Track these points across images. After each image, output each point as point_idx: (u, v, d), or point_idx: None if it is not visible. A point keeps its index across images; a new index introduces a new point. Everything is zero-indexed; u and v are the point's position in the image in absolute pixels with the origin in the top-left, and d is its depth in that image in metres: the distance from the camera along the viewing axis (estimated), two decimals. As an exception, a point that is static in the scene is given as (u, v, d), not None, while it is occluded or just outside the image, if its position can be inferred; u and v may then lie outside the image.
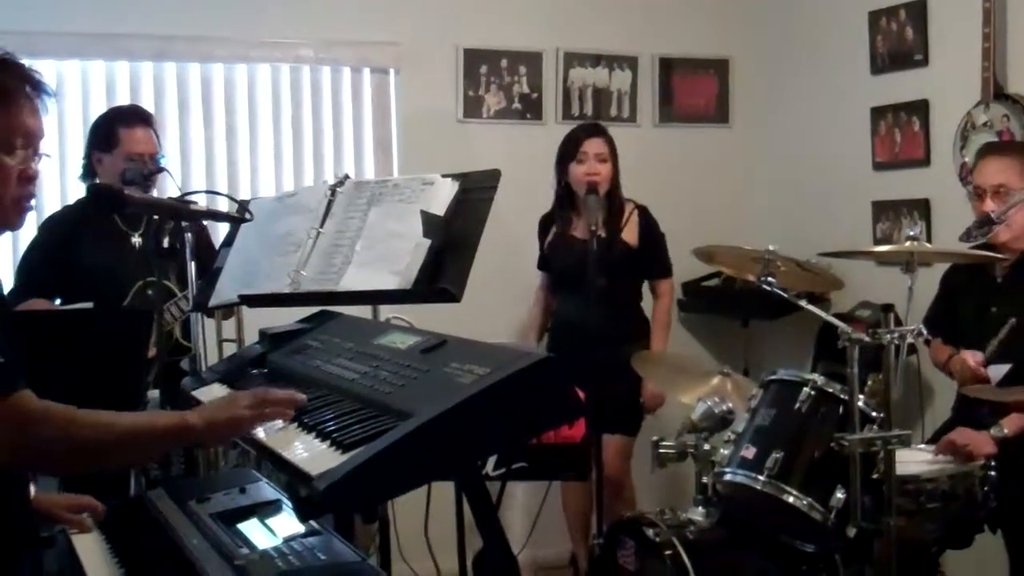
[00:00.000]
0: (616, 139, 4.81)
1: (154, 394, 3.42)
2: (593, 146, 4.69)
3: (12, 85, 2.01)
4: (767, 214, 5.74)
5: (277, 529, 2.26)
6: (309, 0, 5.14)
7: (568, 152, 4.73)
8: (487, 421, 1.83)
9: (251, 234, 3.28)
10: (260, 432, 2.04)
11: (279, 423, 2.06)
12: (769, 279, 3.55)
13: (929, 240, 4.64)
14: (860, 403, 3.20)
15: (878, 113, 5.07)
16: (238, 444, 2.37)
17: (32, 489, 2.29)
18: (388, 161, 5.35)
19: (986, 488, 3.40)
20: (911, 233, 3.36)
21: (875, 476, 3.16)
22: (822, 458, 3.25)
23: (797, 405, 3.33)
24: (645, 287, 4.93)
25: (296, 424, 2.03)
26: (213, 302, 3.30)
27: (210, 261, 3.48)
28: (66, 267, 4.00)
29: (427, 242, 2.77)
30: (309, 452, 1.88)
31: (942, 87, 4.73)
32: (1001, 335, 3.67)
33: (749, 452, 3.34)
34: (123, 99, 4.78)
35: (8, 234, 2.21)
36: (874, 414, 3.22)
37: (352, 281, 2.88)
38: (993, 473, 3.40)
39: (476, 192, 2.88)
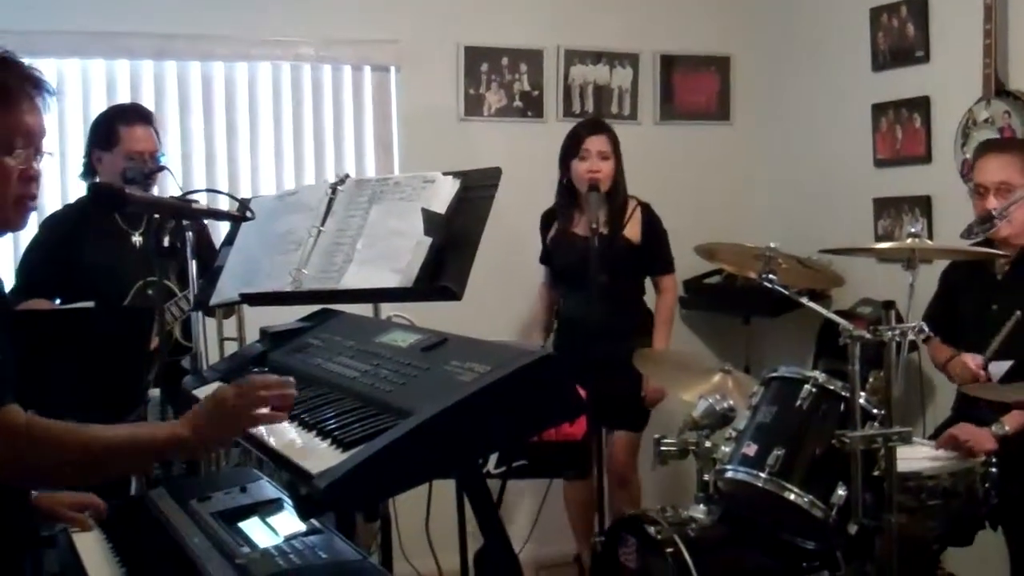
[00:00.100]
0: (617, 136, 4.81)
1: (155, 393, 3.42)
2: (595, 143, 4.69)
3: (12, 84, 2.00)
4: (768, 211, 5.74)
5: (278, 528, 2.26)
6: (310, -2, 5.15)
7: (571, 149, 4.74)
8: (488, 419, 1.83)
9: (252, 233, 3.28)
10: (262, 430, 2.04)
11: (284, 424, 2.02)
12: (770, 276, 3.54)
13: (930, 237, 4.63)
14: (861, 400, 3.19)
15: (879, 110, 5.07)
16: (239, 443, 2.37)
17: None
18: (389, 159, 5.34)
19: (987, 485, 3.40)
20: (912, 230, 3.35)
21: (876, 473, 3.16)
22: (823, 455, 3.25)
23: (798, 402, 3.33)
24: (648, 283, 4.93)
25: (297, 422, 2.03)
26: (214, 301, 3.30)
27: (210, 260, 3.48)
28: (66, 266, 4.00)
29: (428, 240, 2.77)
30: (310, 450, 1.88)
31: (943, 84, 4.73)
32: (1004, 331, 3.67)
33: (750, 449, 3.34)
34: (124, 98, 4.77)
35: (9, 233, 2.19)
36: (875, 411, 3.21)
37: (353, 279, 2.88)
38: (994, 470, 3.40)
39: (477, 190, 2.88)
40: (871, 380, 3.36)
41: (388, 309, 3.63)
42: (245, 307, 3.87)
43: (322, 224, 3.07)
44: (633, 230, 4.76)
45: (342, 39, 5.19)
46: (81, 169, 4.18)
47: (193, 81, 5.04)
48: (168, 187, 4.44)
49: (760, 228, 5.38)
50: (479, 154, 4.86)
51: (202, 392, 2.62)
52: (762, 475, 3.25)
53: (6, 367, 1.96)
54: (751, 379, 4.02)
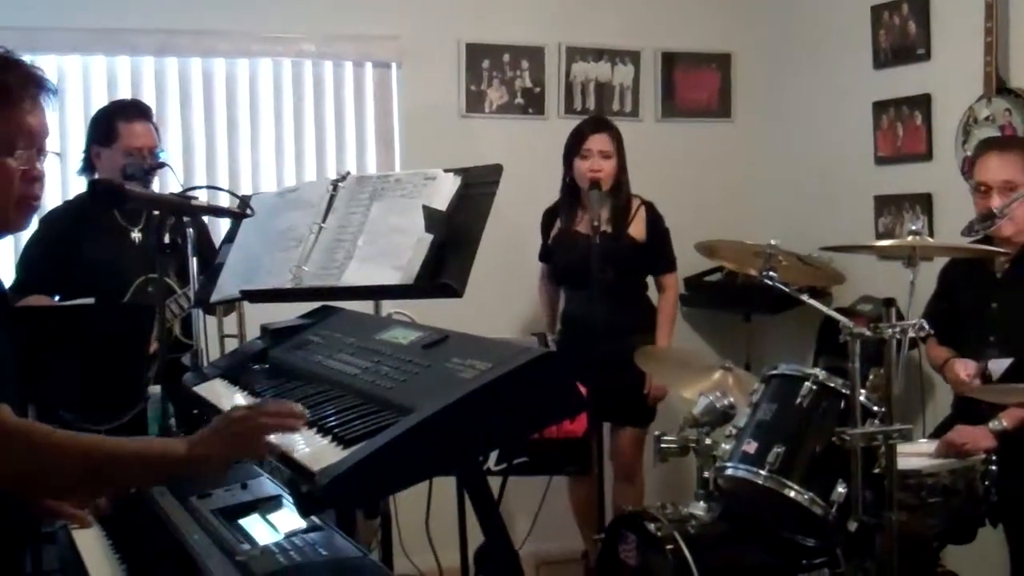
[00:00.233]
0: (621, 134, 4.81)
1: (155, 390, 3.42)
2: (596, 142, 4.69)
3: (13, 84, 1.98)
4: (769, 209, 5.74)
5: (278, 525, 2.25)
6: (311, -5, 5.15)
7: (573, 147, 4.74)
8: (488, 416, 1.83)
9: (252, 230, 3.27)
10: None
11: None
12: (771, 273, 3.54)
13: (931, 234, 4.63)
14: (861, 398, 3.20)
15: (880, 107, 5.07)
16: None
17: None
18: (390, 156, 5.34)
19: (987, 483, 3.40)
20: (913, 227, 3.35)
21: (876, 471, 3.16)
22: (823, 453, 3.25)
23: (798, 400, 3.33)
24: (648, 281, 4.94)
25: (284, 399, 2.03)
26: (215, 298, 3.30)
27: (210, 258, 3.48)
28: (66, 263, 3.99)
29: (429, 237, 2.77)
30: (310, 447, 1.88)
31: (944, 81, 4.73)
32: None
33: (750, 447, 3.34)
34: (124, 94, 4.77)
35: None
36: (875, 408, 3.21)
37: (354, 276, 2.88)
38: (994, 468, 3.41)
39: (478, 187, 2.87)
40: (871, 377, 3.36)
41: (389, 306, 3.63)
42: (246, 304, 3.87)
43: (323, 221, 3.07)
44: (637, 228, 4.77)
45: (343, 35, 5.19)
46: (80, 165, 4.18)
47: (194, 78, 5.05)
48: (169, 184, 4.43)
49: (761, 225, 5.38)
50: (480, 151, 4.86)
51: (202, 389, 2.62)
52: (762, 472, 3.26)
53: (2, 366, 1.95)
54: (751, 376, 4.02)
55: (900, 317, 3.24)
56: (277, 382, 2.42)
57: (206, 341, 3.43)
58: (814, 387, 3.33)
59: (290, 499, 2.25)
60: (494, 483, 3.99)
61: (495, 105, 5.46)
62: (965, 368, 3.72)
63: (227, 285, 3.24)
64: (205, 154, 5.08)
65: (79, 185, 4.37)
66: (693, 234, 4.20)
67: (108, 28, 4.80)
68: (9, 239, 4.43)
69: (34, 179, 2.03)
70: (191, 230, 3.13)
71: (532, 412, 1.90)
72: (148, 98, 4.77)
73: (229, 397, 2.49)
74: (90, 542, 2.40)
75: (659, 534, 3.37)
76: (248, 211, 3.16)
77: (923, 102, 4.84)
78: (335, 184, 3.15)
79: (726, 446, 3.45)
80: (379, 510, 3.58)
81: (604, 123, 4.83)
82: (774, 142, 5.80)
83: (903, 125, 4.96)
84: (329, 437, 1.89)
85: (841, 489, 3.18)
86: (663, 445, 3.68)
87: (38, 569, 2.53)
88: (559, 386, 1.90)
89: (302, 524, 2.18)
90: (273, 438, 1.90)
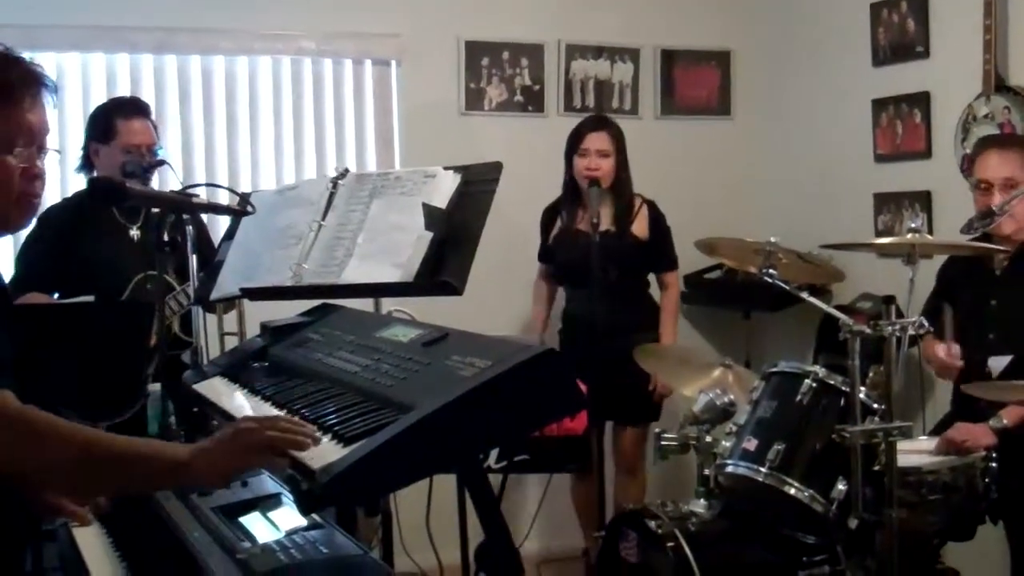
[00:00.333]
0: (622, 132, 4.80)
1: (155, 388, 3.42)
2: (595, 141, 4.69)
3: (13, 81, 1.96)
4: (768, 206, 5.74)
5: (279, 522, 2.25)
6: (310, -8, 5.15)
7: (572, 146, 4.75)
8: (489, 414, 1.83)
9: (252, 227, 3.27)
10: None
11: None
12: (771, 271, 3.54)
13: (930, 232, 4.62)
14: (861, 395, 3.20)
15: (879, 105, 5.06)
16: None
17: None
18: (390, 154, 5.34)
19: (987, 480, 3.40)
20: (912, 225, 3.35)
21: (876, 468, 3.17)
22: (823, 450, 3.25)
23: (799, 397, 3.33)
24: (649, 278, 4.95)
25: (298, 417, 2.03)
26: (215, 295, 3.30)
27: (209, 257, 3.48)
28: (64, 260, 3.98)
29: (429, 235, 2.77)
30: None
31: (943, 79, 4.72)
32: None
33: (751, 444, 3.35)
34: (124, 92, 4.76)
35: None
36: (875, 406, 3.22)
37: (354, 274, 2.88)
38: (994, 465, 3.41)
39: (478, 185, 2.87)
40: (871, 375, 3.37)
41: (389, 304, 3.63)
42: (246, 301, 3.88)
43: (323, 218, 3.07)
44: (640, 227, 4.78)
45: (343, 33, 5.18)
46: (79, 163, 4.17)
47: (193, 75, 5.04)
48: (168, 181, 4.43)
49: (760, 223, 5.38)
50: (480, 149, 4.87)
51: (202, 387, 2.62)
52: (762, 470, 3.26)
53: (3, 355, 1.94)
54: (751, 374, 4.03)
55: (900, 314, 3.24)
56: (277, 380, 2.42)
57: (206, 339, 3.43)
58: (814, 384, 3.33)
59: (290, 497, 2.25)
60: (495, 481, 4.00)
61: (495, 103, 5.46)
62: (944, 348, 3.70)
63: (227, 283, 3.25)
64: (204, 152, 5.07)
65: (78, 183, 4.36)
66: (693, 232, 4.20)
67: (107, 26, 4.80)
68: (8, 238, 4.45)
69: (34, 177, 2.01)
70: (191, 228, 3.12)
71: (532, 410, 1.90)
72: (147, 96, 4.76)
73: (229, 395, 2.49)
74: (90, 540, 2.41)
75: (660, 531, 3.37)
76: (248, 209, 3.16)
77: (922, 100, 4.84)
78: (335, 182, 3.15)
79: (726, 443, 3.45)
80: (380, 508, 3.58)
81: (603, 121, 4.83)
82: (773, 140, 5.80)
83: (902, 123, 4.96)
84: (329, 435, 1.89)
85: (841, 486, 3.18)
86: (663, 443, 3.68)
87: (38, 567, 2.53)
88: (559, 384, 1.90)
89: (303, 522, 2.18)
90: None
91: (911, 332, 3.24)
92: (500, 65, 5.45)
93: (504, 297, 5.15)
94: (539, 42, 5.51)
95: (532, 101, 5.52)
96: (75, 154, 4.19)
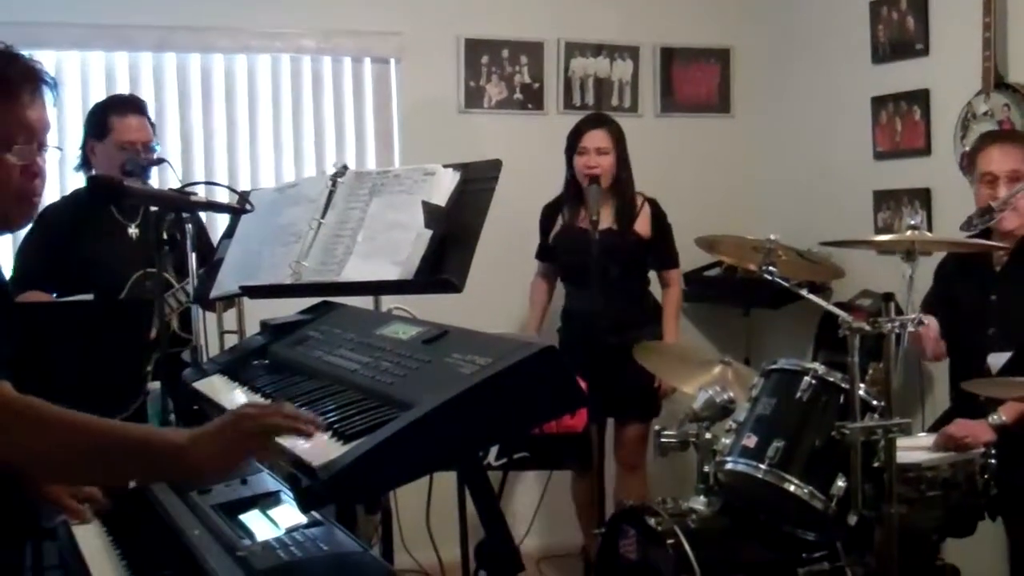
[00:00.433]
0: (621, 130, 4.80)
1: (155, 385, 3.42)
2: (593, 139, 4.69)
3: (13, 77, 1.95)
4: (768, 203, 5.74)
5: (279, 520, 2.26)
6: (309, -10, 5.15)
7: (571, 145, 4.75)
8: (489, 411, 1.83)
9: (252, 225, 3.27)
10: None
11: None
12: (770, 268, 3.55)
13: (930, 229, 4.63)
14: (861, 392, 3.20)
15: (879, 102, 5.07)
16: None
17: None
18: (389, 152, 5.34)
19: (986, 476, 3.40)
20: (912, 222, 3.35)
21: (876, 464, 3.17)
22: (823, 447, 3.25)
23: (798, 394, 3.33)
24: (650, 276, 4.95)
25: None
26: (214, 293, 3.30)
27: (207, 255, 3.48)
28: (62, 259, 3.98)
29: (429, 232, 2.76)
30: (311, 442, 1.88)
31: (943, 76, 4.73)
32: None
33: (750, 441, 3.35)
34: (123, 90, 4.76)
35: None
36: (875, 403, 3.22)
37: (353, 272, 2.88)
38: (993, 461, 3.41)
39: (478, 182, 2.87)
40: (871, 372, 3.37)
41: (389, 302, 3.63)
42: (245, 300, 3.88)
43: (322, 216, 3.07)
44: (643, 225, 4.79)
45: (342, 31, 5.18)
46: (78, 162, 4.17)
47: (192, 73, 5.04)
48: (167, 180, 4.43)
49: (760, 220, 5.38)
50: (480, 146, 4.87)
51: (202, 385, 2.62)
52: (762, 467, 3.26)
53: (3, 348, 1.94)
54: (751, 371, 4.03)
55: (899, 311, 3.24)
56: (277, 378, 2.42)
57: (206, 337, 3.43)
58: (813, 381, 3.33)
59: (290, 494, 2.25)
60: (495, 478, 4.00)
61: (494, 101, 5.46)
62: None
63: (226, 281, 3.25)
64: (203, 150, 5.07)
65: (77, 181, 4.36)
66: (693, 229, 4.20)
67: (106, 24, 4.80)
68: (7, 236, 4.44)
69: (34, 175, 1.99)
70: (190, 226, 3.12)
71: (532, 407, 1.90)
72: (146, 94, 4.77)
73: (229, 393, 2.49)
74: (90, 538, 2.41)
75: (659, 529, 3.37)
76: (247, 207, 3.16)
77: (922, 97, 4.84)
78: (334, 179, 3.15)
79: (726, 440, 3.45)
80: (380, 505, 3.58)
81: (601, 119, 4.83)
82: (773, 137, 5.80)
83: (902, 120, 4.96)
84: (329, 432, 1.89)
85: (841, 483, 3.18)
86: (663, 440, 3.68)
87: (38, 565, 2.53)
88: (559, 381, 1.90)
89: (302, 519, 2.18)
90: (283, 440, 1.88)
91: (910, 329, 3.24)
92: (500, 63, 5.45)
93: (504, 294, 5.15)
94: (538, 40, 5.51)
95: (532, 99, 5.52)
96: (74, 153, 4.19)
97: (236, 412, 1.92)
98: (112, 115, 4.06)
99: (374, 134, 5.33)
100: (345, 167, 3.19)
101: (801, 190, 5.59)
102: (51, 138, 2.04)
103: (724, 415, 3.61)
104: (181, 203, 3.10)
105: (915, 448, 3.50)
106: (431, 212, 2.79)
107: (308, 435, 1.85)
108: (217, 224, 4.22)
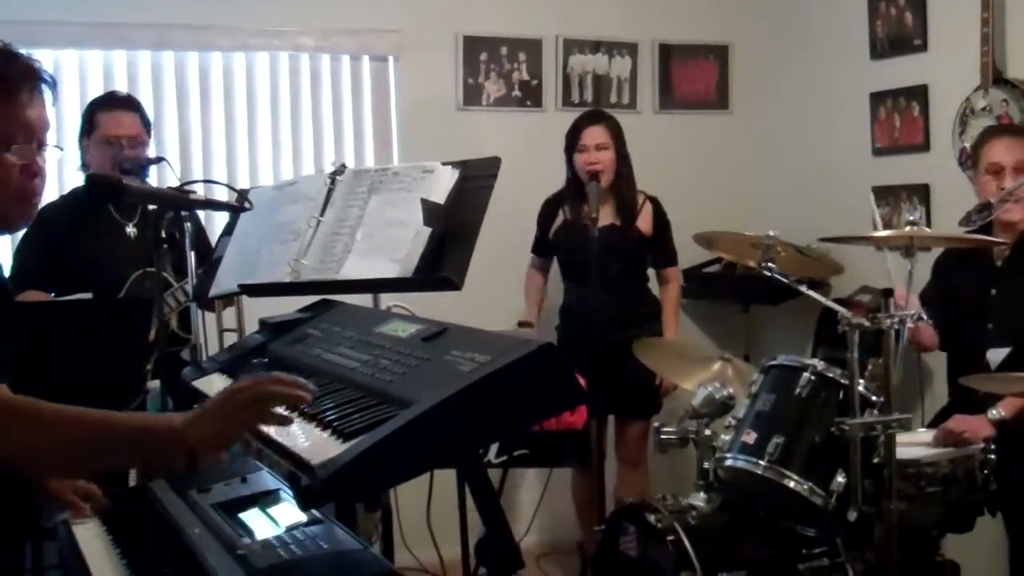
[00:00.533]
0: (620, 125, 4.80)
1: (154, 384, 3.42)
2: (592, 136, 4.69)
3: (12, 76, 1.93)
4: (767, 200, 5.74)
5: (279, 518, 2.26)
6: (307, -12, 5.14)
7: (570, 143, 4.75)
8: (488, 409, 1.83)
9: (251, 223, 3.27)
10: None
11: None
12: (770, 264, 3.55)
13: (928, 225, 4.64)
14: (860, 388, 3.20)
15: (877, 98, 5.07)
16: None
17: None
18: (388, 149, 5.34)
19: (986, 471, 3.40)
20: (911, 218, 3.35)
21: (876, 460, 3.17)
22: (823, 443, 3.25)
23: (797, 390, 3.34)
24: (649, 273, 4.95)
25: (297, 413, 2.03)
26: (213, 292, 3.30)
27: (206, 253, 3.47)
28: (61, 258, 3.98)
29: (427, 230, 2.77)
30: (310, 441, 1.88)
31: (941, 72, 4.73)
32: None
33: (750, 437, 3.35)
34: (121, 89, 4.74)
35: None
36: (874, 398, 3.22)
37: (352, 270, 2.88)
38: (992, 456, 3.41)
39: (476, 180, 2.88)
40: (870, 367, 3.37)
41: (388, 299, 3.63)
42: (244, 298, 3.88)
43: (321, 214, 3.07)
44: (645, 222, 4.79)
45: (340, 29, 5.18)
46: (80, 161, 4.17)
47: (191, 72, 5.03)
48: (166, 178, 4.43)
49: (759, 216, 5.37)
50: (478, 144, 4.86)
51: (202, 383, 2.62)
52: (762, 463, 3.26)
53: (2, 349, 1.93)
54: (750, 367, 4.03)
55: (888, 293, 3.24)
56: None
57: (205, 336, 3.43)
58: (813, 377, 3.33)
59: (290, 493, 2.25)
60: (494, 475, 4.00)
61: (492, 98, 5.46)
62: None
63: (225, 279, 3.25)
64: (202, 148, 5.06)
65: (76, 180, 4.35)
66: (692, 225, 4.20)
67: (105, 22, 4.79)
68: (6, 236, 4.44)
69: (33, 174, 1.98)
70: (189, 224, 3.12)
71: (532, 404, 1.90)
72: (144, 93, 4.77)
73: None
74: (90, 537, 2.40)
75: (659, 525, 3.37)
76: (246, 205, 3.16)
77: (920, 93, 4.84)
78: (333, 177, 3.15)
79: (725, 437, 3.45)
80: (380, 503, 3.58)
81: (598, 115, 4.83)
82: (772, 133, 5.80)
83: (900, 116, 4.96)
84: (329, 430, 1.89)
85: (840, 479, 3.18)
86: (663, 436, 3.68)
87: (38, 564, 2.53)
88: (559, 378, 1.90)
89: (302, 517, 2.18)
90: (272, 430, 1.88)
91: (909, 324, 3.24)
92: (498, 60, 5.45)
93: (503, 292, 5.14)
94: (537, 37, 5.50)
95: (530, 96, 5.51)
96: (72, 151, 4.18)
97: (229, 388, 1.93)
98: (99, 111, 4.07)
99: (373, 132, 5.32)
100: (344, 165, 3.20)
101: (800, 186, 5.59)
102: (50, 137, 2.03)
103: (724, 411, 3.60)
104: (180, 201, 3.10)
105: (915, 444, 3.50)
106: (430, 210, 2.79)
107: (302, 400, 1.86)
108: (216, 223, 4.22)
